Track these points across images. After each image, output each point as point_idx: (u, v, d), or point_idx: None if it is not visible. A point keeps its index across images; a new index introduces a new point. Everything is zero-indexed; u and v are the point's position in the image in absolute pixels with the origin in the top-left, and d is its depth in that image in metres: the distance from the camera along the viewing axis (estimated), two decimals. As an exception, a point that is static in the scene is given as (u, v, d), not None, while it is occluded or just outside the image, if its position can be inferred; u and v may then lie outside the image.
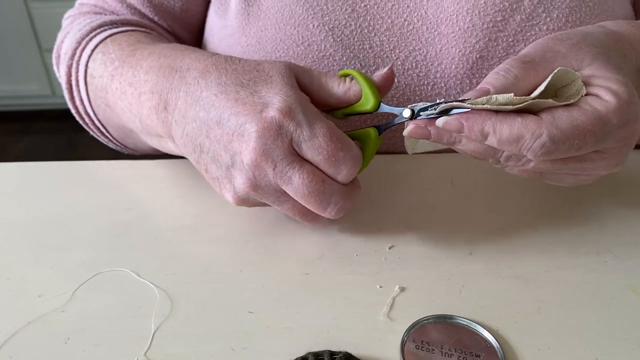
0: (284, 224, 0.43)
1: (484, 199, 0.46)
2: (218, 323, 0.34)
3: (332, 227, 0.42)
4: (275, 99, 0.34)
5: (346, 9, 0.48)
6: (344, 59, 0.49)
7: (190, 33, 0.59)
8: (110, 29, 0.50)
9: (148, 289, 0.37)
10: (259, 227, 0.42)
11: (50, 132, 2.38)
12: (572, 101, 0.33)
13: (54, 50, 0.55)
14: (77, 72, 0.50)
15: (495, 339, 0.32)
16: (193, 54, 0.40)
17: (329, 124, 0.35)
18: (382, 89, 0.39)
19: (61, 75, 0.52)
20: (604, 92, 0.33)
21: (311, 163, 0.35)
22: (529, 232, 0.42)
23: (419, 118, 0.35)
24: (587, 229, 0.42)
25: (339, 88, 0.39)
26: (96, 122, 0.52)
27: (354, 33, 0.49)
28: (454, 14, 0.47)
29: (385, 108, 0.38)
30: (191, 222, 0.43)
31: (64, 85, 0.52)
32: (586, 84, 0.34)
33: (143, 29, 0.52)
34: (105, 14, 0.55)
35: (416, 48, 0.49)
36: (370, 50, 0.49)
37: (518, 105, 0.32)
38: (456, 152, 0.36)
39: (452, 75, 0.49)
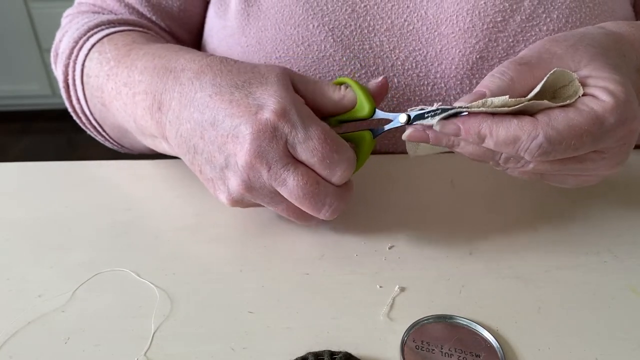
0: (284, 224, 0.43)
1: (484, 199, 0.46)
2: (218, 323, 0.34)
3: (332, 227, 0.42)
4: (269, 101, 0.34)
5: (346, 10, 0.48)
6: (344, 59, 0.49)
7: (188, 33, 0.59)
8: (107, 28, 0.50)
9: (148, 289, 0.37)
10: (259, 227, 0.42)
11: (50, 132, 2.38)
12: (568, 102, 0.33)
13: (52, 49, 0.55)
14: (74, 71, 0.50)
15: (495, 339, 0.32)
16: (187, 54, 0.40)
17: (324, 126, 0.35)
18: (376, 98, 0.39)
19: (58, 74, 0.52)
20: (600, 92, 0.33)
21: (305, 165, 0.35)
22: (529, 232, 0.42)
23: (415, 124, 0.36)
24: (587, 229, 0.42)
25: (333, 94, 0.39)
26: (92, 121, 0.52)
27: (354, 33, 0.49)
28: (454, 14, 0.47)
29: (380, 114, 0.38)
30: (191, 222, 0.43)
31: (61, 84, 0.52)
32: (583, 84, 0.34)
33: (140, 29, 0.52)
34: (104, 13, 0.55)
35: (416, 48, 0.49)
36: (370, 51, 0.49)
37: (514, 107, 0.32)
38: None
39: (452, 75, 0.49)
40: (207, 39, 0.57)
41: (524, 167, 0.35)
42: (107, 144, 0.57)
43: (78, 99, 0.51)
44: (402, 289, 0.36)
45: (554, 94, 0.34)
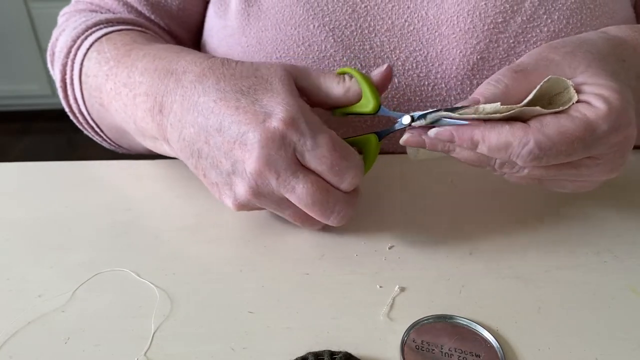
0: (284, 224, 0.43)
1: (484, 199, 0.46)
2: (218, 323, 0.34)
3: (331, 227, 0.42)
4: (277, 109, 0.34)
5: (347, 10, 0.48)
6: (345, 59, 0.49)
7: (187, 32, 0.59)
8: (106, 27, 0.50)
9: (148, 289, 0.37)
10: (259, 227, 0.42)
11: (50, 132, 2.38)
12: (561, 108, 0.33)
13: (49, 48, 0.54)
14: (71, 70, 0.49)
15: (495, 339, 0.32)
16: (188, 56, 0.40)
17: (331, 134, 0.35)
18: (380, 88, 0.39)
19: (55, 73, 0.52)
20: (594, 98, 0.33)
21: (314, 172, 0.35)
22: (529, 232, 0.42)
23: (412, 126, 0.36)
24: (587, 229, 0.42)
25: (337, 87, 0.39)
26: (90, 121, 0.52)
27: (355, 34, 0.49)
28: (455, 15, 0.47)
29: (384, 111, 0.38)
30: (191, 222, 0.43)
31: (58, 84, 0.51)
32: (578, 91, 0.34)
33: (139, 28, 0.52)
34: (102, 12, 0.55)
35: (417, 49, 0.49)
36: (371, 51, 0.49)
37: (505, 114, 0.33)
38: None
39: (452, 76, 0.49)
40: (207, 39, 0.57)
41: (519, 173, 0.36)
42: (104, 144, 0.57)
43: (75, 99, 0.51)
44: (402, 289, 0.36)
45: (550, 100, 0.35)
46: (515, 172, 0.36)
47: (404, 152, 0.39)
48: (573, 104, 0.33)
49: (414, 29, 0.48)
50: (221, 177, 0.36)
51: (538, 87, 0.33)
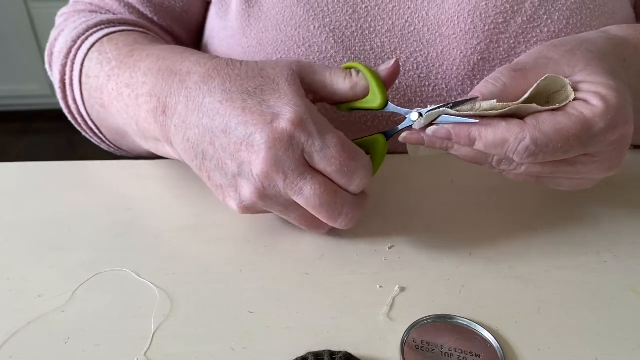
0: (284, 224, 0.43)
1: (484, 199, 0.46)
2: (218, 323, 0.34)
3: (332, 228, 0.42)
4: (285, 110, 0.34)
5: (347, 10, 0.48)
6: (345, 60, 0.49)
7: (188, 33, 0.59)
8: (107, 27, 0.50)
9: (148, 289, 0.37)
10: (259, 227, 0.42)
11: (50, 132, 2.38)
12: (557, 106, 0.33)
13: (47, 48, 0.54)
14: (71, 71, 0.49)
15: (495, 339, 0.32)
16: (193, 56, 0.40)
17: (340, 135, 0.35)
18: (387, 83, 0.39)
19: (54, 74, 0.52)
20: (591, 96, 0.33)
21: (322, 174, 0.34)
22: (529, 232, 0.42)
23: (414, 128, 0.36)
24: (587, 229, 0.42)
25: (344, 83, 0.39)
26: (89, 122, 0.51)
27: (355, 34, 0.48)
28: (455, 15, 0.47)
29: (392, 107, 0.38)
30: (191, 222, 0.43)
31: (56, 84, 0.51)
32: (576, 89, 0.34)
33: (140, 29, 0.52)
34: (101, 13, 0.54)
35: (417, 49, 0.49)
36: (372, 52, 0.49)
37: (501, 111, 0.33)
38: None
39: (453, 76, 0.49)
40: (208, 40, 0.57)
41: (517, 170, 0.36)
42: (103, 145, 0.56)
43: (75, 100, 0.50)
44: (402, 289, 0.36)
45: (547, 99, 0.35)
46: (513, 169, 0.36)
47: (404, 152, 0.39)
48: (570, 101, 0.34)
49: (414, 29, 0.48)
50: (226, 179, 0.36)
51: (535, 85, 0.34)
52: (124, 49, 0.46)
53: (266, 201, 0.35)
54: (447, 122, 0.35)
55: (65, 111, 0.53)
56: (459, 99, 0.34)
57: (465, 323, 0.33)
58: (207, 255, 0.40)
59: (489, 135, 0.33)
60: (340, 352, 0.31)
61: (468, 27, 0.47)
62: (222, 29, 0.54)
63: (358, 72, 0.39)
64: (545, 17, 0.47)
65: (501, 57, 0.48)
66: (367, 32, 0.48)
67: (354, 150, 0.35)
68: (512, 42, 0.47)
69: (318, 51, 0.49)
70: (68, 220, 0.44)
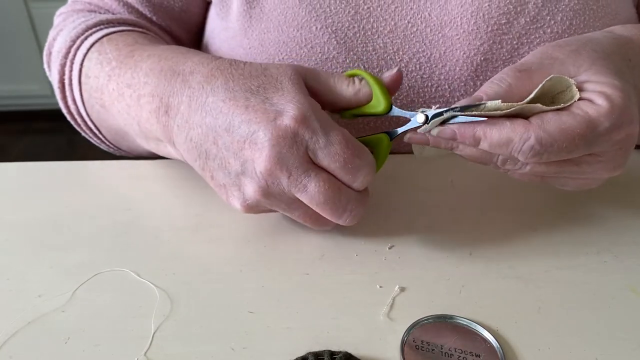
0: (284, 224, 0.43)
1: (484, 199, 0.46)
2: (218, 323, 0.34)
3: (332, 227, 0.42)
4: (288, 107, 0.34)
5: (349, 11, 0.48)
6: (347, 61, 0.49)
7: (188, 33, 0.59)
8: (106, 27, 0.50)
9: (148, 289, 0.37)
10: (259, 227, 0.42)
11: (50, 132, 2.38)
12: (562, 105, 0.33)
13: (45, 48, 0.54)
14: (71, 71, 0.49)
15: (495, 339, 0.32)
16: (195, 57, 0.40)
17: (344, 132, 0.35)
18: (390, 91, 0.39)
19: (53, 74, 0.51)
20: (596, 96, 0.33)
21: (325, 171, 0.34)
22: (529, 232, 0.42)
23: (418, 132, 0.36)
24: (587, 229, 0.42)
25: (348, 89, 0.39)
26: (89, 122, 0.51)
27: (357, 35, 0.48)
28: (458, 16, 0.47)
29: (396, 111, 0.38)
30: (191, 222, 0.43)
31: (55, 85, 0.51)
32: (581, 89, 0.34)
33: (140, 29, 0.52)
34: (100, 12, 0.54)
35: (420, 50, 0.48)
36: (374, 53, 0.49)
37: (506, 111, 0.33)
38: None
39: (456, 77, 0.49)
40: (208, 40, 0.57)
41: (522, 170, 0.36)
42: (102, 146, 0.56)
43: (74, 100, 0.50)
44: (402, 289, 0.36)
45: (553, 99, 0.35)
46: (518, 168, 0.36)
47: (404, 152, 0.39)
48: (575, 101, 0.34)
49: (417, 30, 0.48)
50: (229, 178, 0.36)
51: (540, 85, 0.34)
52: (124, 49, 0.45)
53: (270, 199, 0.35)
54: (452, 122, 0.35)
55: (65, 111, 0.52)
56: (465, 104, 0.34)
57: (465, 323, 0.33)
58: (207, 255, 0.40)
59: (493, 135, 0.33)
60: (340, 352, 0.31)
61: (471, 27, 0.47)
62: (223, 29, 0.53)
63: (361, 79, 0.39)
64: (549, 18, 0.47)
65: (504, 58, 0.48)
66: (369, 33, 0.48)
67: (358, 147, 0.35)
68: (515, 43, 0.47)
69: (320, 52, 0.49)
70: (68, 220, 0.44)
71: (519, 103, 0.33)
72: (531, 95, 0.33)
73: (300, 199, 0.35)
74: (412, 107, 0.50)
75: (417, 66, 0.49)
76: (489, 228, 0.42)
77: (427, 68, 0.49)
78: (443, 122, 0.35)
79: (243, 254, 0.40)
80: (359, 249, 0.40)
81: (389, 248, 0.40)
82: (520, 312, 0.35)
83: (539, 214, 0.44)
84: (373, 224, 0.42)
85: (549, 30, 0.47)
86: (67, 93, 0.50)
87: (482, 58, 0.48)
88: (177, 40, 0.58)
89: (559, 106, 0.33)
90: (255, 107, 0.34)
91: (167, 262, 0.39)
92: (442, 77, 0.49)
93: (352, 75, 0.40)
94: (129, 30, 0.50)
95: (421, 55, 0.49)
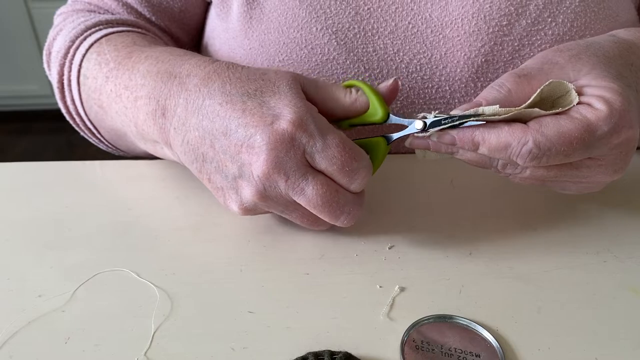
0: (284, 224, 0.43)
1: (484, 199, 0.46)
2: (218, 323, 0.34)
3: (332, 227, 0.42)
4: (285, 111, 0.34)
5: (349, 12, 0.48)
6: (348, 62, 0.49)
7: (187, 34, 0.59)
8: (105, 28, 0.50)
9: (148, 289, 0.37)
10: (259, 227, 0.42)
11: (50, 132, 2.38)
12: (560, 110, 0.33)
13: (45, 48, 0.54)
14: (69, 71, 0.49)
15: (495, 339, 0.32)
16: (192, 59, 0.40)
17: (341, 134, 0.35)
18: (387, 101, 0.39)
19: (52, 74, 0.51)
20: (595, 100, 0.34)
21: (322, 173, 0.35)
22: (529, 232, 0.42)
23: (417, 136, 0.37)
24: (587, 229, 0.42)
25: (345, 98, 0.39)
26: (87, 123, 0.51)
27: (358, 36, 0.48)
28: (459, 17, 0.47)
29: (394, 119, 0.38)
30: (191, 222, 0.43)
31: (54, 85, 0.51)
32: (580, 93, 0.35)
33: (139, 30, 0.52)
34: (100, 13, 0.54)
35: (420, 51, 0.48)
36: (374, 54, 0.49)
37: (504, 116, 0.33)
38: None
39: (456, 78, 0.49)
40: (208, 41, 0.57)
41: (522, 174, 0.36)
42: (101, 146, 0.56)
43: (73, 100, 0.50)
44: (402, 289, 0.36)
45: (552, 103, 0.36)
46: (518, 172, 0.36)
47: (404, 152, 0.39)
48: (574, 105, 0.34)
49: (417, 31, 0.48)
50: (227, 181, 0.36)
51: (539, 90, 0.34)
52: (123, 50, 0.45)
53: (267, 202, 0.35)
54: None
55: (64, 111, 0.52)
56: (464, 110, 0.35)
57: (465, 323, 0.33)
58: (207, 255, 0.40)
59: (492, 139, 0.34)
60: (340, 352, 0.31)
61: (472, 29, 0.47)
62: (223, 30, 0.53)
63: (358, 89, 0.39)
64: (550, 19, 0.47)
65: (505, 59, 0.48)
66: (369, 34, 0.48)
67: (355, 150, 0.35)
68: (516, 44, 0.47)
69: (320, 53, 0.49)
70: (68, 220, 0.44)
71: (517, 108, 0.33)
72: (530, 100, 0.34)
73: (298, 201, 0.35)
74: (412, 108, 0.50)
75: (418, 67, 0.49)
76: (489, 228, 0.42)
77: (428, 69, 0.49)
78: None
79: (243, 254, 0.40)
80: (359, 249, 0.40)
81: (389, 248, 0.40)
82: (520, 312, 0.35)
83: (539, 214, 0.44)
84: (373, 224, 0.42)
85: (550, 32, 0.47)
86: (66, 93, 0.50)
87: (483, 59, 0.48)
88: (177, 41, 0.58)
89: (557, 110, 0.34)
90: (252, 111, 0.34)
91: (167, 262, 0.39)
92: (443, 78, 0.49)
93: (349, 86, 0.40)
94: (128, 31, 0.50)
95: (422, 56, 0.49)
